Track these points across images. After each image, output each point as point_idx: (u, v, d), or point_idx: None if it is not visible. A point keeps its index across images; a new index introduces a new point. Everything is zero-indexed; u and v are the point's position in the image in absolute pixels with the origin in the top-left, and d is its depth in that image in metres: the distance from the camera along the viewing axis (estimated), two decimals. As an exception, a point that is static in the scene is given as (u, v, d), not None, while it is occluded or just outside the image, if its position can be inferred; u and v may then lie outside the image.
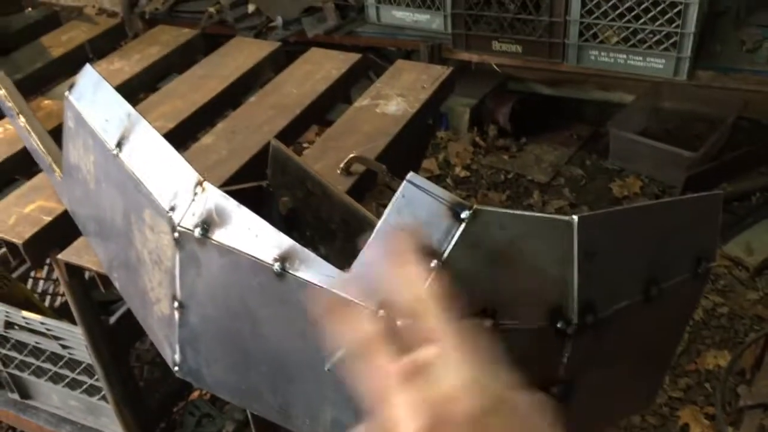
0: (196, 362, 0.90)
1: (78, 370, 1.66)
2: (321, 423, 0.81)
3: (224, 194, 0.81)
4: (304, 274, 0.73)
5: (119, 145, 0.94)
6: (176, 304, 0.87)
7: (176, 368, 0.92)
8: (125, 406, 1.58)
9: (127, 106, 0.95)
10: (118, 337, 1.51)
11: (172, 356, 0.92)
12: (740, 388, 2.18)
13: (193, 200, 0.82)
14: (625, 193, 3.01)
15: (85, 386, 1.68)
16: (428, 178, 0.67)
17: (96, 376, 1.59)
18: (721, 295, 2.53)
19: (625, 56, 2.80)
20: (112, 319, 1.49)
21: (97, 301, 1.64)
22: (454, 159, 3.31)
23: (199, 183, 0.82)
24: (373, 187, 1.36)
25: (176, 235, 0.83)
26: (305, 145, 2.52)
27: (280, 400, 0.84)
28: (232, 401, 0.93)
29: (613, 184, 3.07)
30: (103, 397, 1.64)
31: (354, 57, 1.76)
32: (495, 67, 3.28)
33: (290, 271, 0.74)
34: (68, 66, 1.87)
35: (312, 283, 0.72)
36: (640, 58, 2.77)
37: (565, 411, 0.77)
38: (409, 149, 1.65)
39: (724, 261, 2.62)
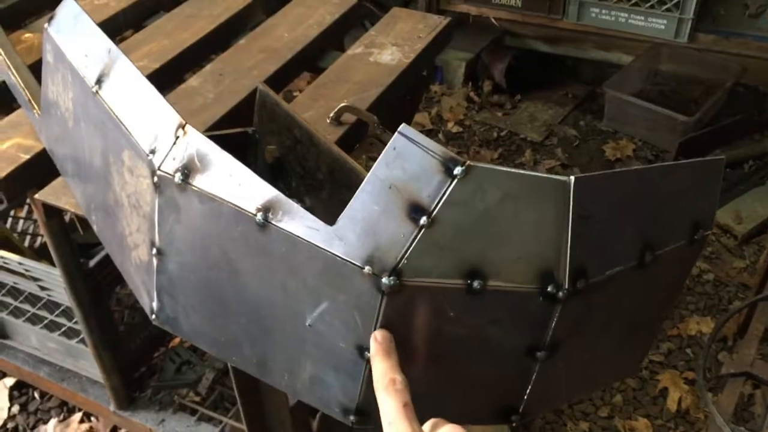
0: (173, 311, 0.88)
1: (57, 313, 1.63)
2: (300, 378, 0.79)
3: (207, 139, 0.77)
4: (287, 225, 0.70)
5: (99, 82, 0.90)
6: (154, 250, 0.84)
7: (153, 316, 0.90)
8: (104, 350, 1.57)
9: (107, 42, 0.91)
10: (97, 280, 1.48)
11: (150, 304, 0.90)
12: (722, 355, 2.20)
13: (175, 144, 0.79)
14: (618, 156, 2.99)
15: (63, 329, 1.66)
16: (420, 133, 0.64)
17: (75, 319, 1.57)
18: (707, 262, 2.53)
19: (626, 15, 2.76)
20: (92, 262, 1.46)
21: (78, 243, 1.61)
22: (447, 114, 3.27)
23: (181, 126, 0.79)
24: (363, 138, 1.33)
25: (156, 179, 0.79)
26: (295, 93, 2.47)
27: (259, 354, 0.82)
28: (210, 352, 0.91)
29: (606, 146, 3.04)
30: (82, 341, 1.63)
31: (349, 2, 1.70)
32: (493, 21, 3.21)
33: (273, 222, 0.71)
34: (51, -1, 1.80)
35: (295, 235, 0.69)
36: (642, 18, 2.72)
37: (550, 375, 0.75)
38: (401, 101, 1.61)
39: (713, 225, 2.62)
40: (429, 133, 3.15)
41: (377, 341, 0.66)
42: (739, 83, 3.03)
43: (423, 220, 0.63)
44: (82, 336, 1.60)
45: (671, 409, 2.09)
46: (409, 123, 0.65)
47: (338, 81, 1.43)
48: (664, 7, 2.66)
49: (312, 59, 1.59)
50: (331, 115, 1.28)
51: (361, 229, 0.66)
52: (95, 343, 1.54)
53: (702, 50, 2.88)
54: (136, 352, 1.73)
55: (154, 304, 0.89)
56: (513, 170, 0.64)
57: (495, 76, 3.32)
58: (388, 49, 1.51)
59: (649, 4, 2.67)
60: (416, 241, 0.64)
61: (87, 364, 1.71)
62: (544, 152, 3.07)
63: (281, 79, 1.47)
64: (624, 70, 3.08)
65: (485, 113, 3.29)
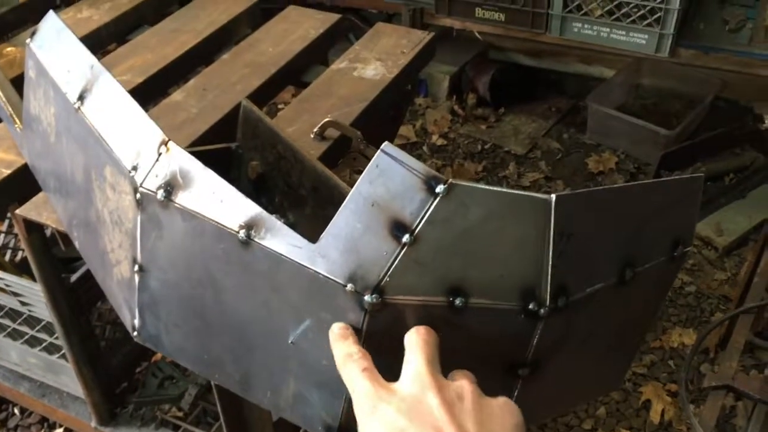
0: (155, 328, 0.87)
1: (37, 328, 1.62)
2: (283, 396, 0.79)
3: (190, 156, 0.77)
4: (270, 243, 0.70)
5: (81, 98, 0.90)
6: (136, 267, 0.84)
7: (135, 333, 0.89)
8: (85, 366, 1.55)
9: (90, 58, 0.91)
10: (79, 295, 1.47)
11: (131, 320, 0.89)
12: (704, 367, 2.21)
13: (157, 161, 0.79)
14: (600, 169, 3.01)
15: (44, 344, 1.65)
16: (404, 146, 0.65)
17: (56, 335, 1.55)
18: (689, 274, 2.55)
19: (608, 30, 2.78)
20: (74, 278, 1.45)
21: (59, 258, 1.59)
22: (431, 127, 3.28)
23: (164, 143, 0.79)
24: (346, 153, 1.33)
25: (138, 196, 0.79)
26: (280, 106, 2.47)
27: (242, 371, 0.81)
28: (192, 369, 0.90)
29: (589, 159, 3.06)
30: (63, 356, 1.61)
31: (333, 17, 1.71)
32: (477, 34, 3.23)
33: (256, 240, 0.71)
34: (35, 12, 1.79)
35: (278, 253, 0.69)
36: (623, 33, 2.75)
37: (533, 392, 0.75)
38: (385, 115, 1.61)
39: (694, 240, 2.64)
40: (414, 146, 3.15)
41: (332, 331, 0.66)
42: (720, 97, 3.07)
43: (405, 237, 0.64)
44: (63, 351, 1.59)
45: (654, 421, 2.09)
46: (393, 137, 0.66)
47: (322, 96, 1.43)
48: (645, 23, 2.69)
49: (296, 74, 1.59)
50: (315, 130, 1.28)
51: (343, 246, 0.66)
52: (76, 358, 1.53)
53: (683, 65, 2.91)
54: (117, 367, 1.71)
55: (136, 321, 0.88)
56: (494, 188, 0.64)
57: (479, 90, 3.34)
58: (372, 64, 1.52)
59: (630, 20, 2.70)
60: (399, 258, 0.64)
61: (68, 379, 1.69)
62: (527, 165, 3.09)
63: (265, 93, 1.48)
64: (606, 84, 3.11)
65: (469, 126, 3.31)
